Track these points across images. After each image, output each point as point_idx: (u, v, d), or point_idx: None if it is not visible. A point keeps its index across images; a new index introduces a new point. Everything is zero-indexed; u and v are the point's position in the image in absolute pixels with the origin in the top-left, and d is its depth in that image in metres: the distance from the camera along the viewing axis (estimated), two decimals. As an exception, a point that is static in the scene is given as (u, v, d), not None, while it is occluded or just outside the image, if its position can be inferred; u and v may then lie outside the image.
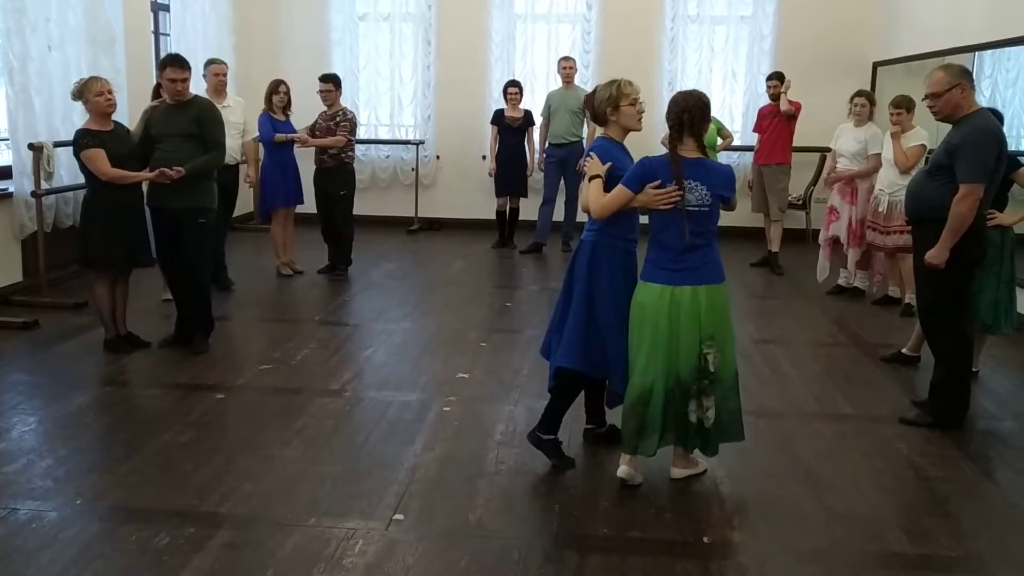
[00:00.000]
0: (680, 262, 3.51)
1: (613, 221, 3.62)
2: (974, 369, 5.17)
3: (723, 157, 8.97)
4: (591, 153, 3.71)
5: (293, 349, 5.59)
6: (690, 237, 3.44)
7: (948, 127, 4.37)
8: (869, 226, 6.85)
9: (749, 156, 9.38)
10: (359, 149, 10.53)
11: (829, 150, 7.60)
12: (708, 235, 3.52)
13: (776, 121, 8.29)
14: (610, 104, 3.71)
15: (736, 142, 9.42)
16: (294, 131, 7.77)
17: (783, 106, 8.13)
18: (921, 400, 4.64)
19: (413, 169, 10.47)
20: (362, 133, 10.59)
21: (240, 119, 7.21)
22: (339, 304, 6.93)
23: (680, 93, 3.57)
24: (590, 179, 3.65)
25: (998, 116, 4.89)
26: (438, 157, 10.59)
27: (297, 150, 7.79)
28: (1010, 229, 4.97)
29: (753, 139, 9.54)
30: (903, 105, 6.50)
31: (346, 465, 3.89)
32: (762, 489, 3.77)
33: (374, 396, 4.78)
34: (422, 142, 10.47)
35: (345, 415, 4.50)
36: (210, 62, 7.17)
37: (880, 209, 6.66)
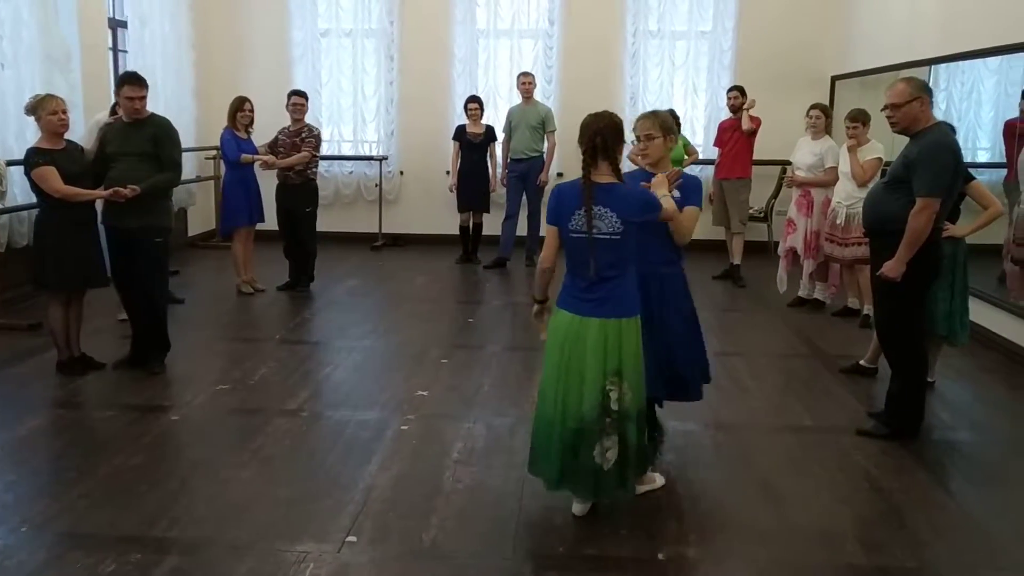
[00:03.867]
0: (590, 292, 3.38)
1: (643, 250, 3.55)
2: (930, 380, 5.23)
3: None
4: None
5: (252, 368, 5.52)
6: (600, 267, 3.33)
7: (904, 140, 4.43)
8: (827, 238, 6.91)
9: (711, 170, 9.48)
10: (322, 165, 10.54)
11: (789, 163, 7.69)
12: (621, 265, 3.36)
13: (736, 135, 8.37)
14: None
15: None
16: (255, 149, 7.73)
17: (745, 124, 8.22)
18: (878, 411, 4.67)
19: (376, 185, 10.43)
20: (325, 149, 10.55)
21: None
22: (300, 322, 6.86)
23: (592, 115, 3.43)
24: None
25: (952, 131, 4.97)
26: (402, 173, 10.56)
27: (258, 167, 7.73)
28: (962, 240, 5.03)
29: (714, 153, 9.66)
30: (859, 119, 6.58)
31: (301, 487, 3.83)
32: (720, 503, 3.77)
33: (332, 415, 4.73)
34: (385, 158, 10.43)
35: (302, 435, 4.45)
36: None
37: (838, 221, 6.72)
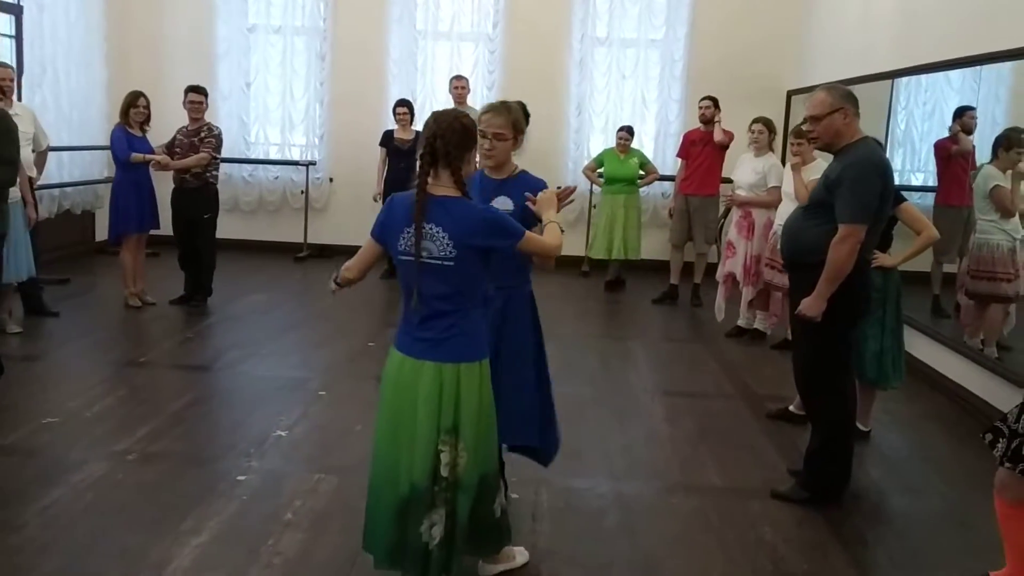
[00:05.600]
0: (423, 329, 2.76)
1: (506, 269, 3.02)
2: (864, 429, 4.64)
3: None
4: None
5: (96, 396, 4.83)
6: (424, 298, 2.72)
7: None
8: (767, 264, 6.31)
9: (668, 186, 8.91)
10: (246, 169, 9.88)
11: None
12: (458, 298, 2.74)
13: (707, 149, 7.79)
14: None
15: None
16: (150, 148, 7.05)
17: (717, 136, 7.67)
18: (799, 470, 4.04)
19: (303, 192, 9.75)
20: (251, 152, 9.91)
21: (28, 128, 6.42)
22: (178, 342, 6.16)
23: (434, 114, 2.81)
24: None
25: (880, 146, 4.38)
26: (331, 180, 9.88)
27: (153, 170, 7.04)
28: (895, 271, 4.44)
29: (668, 167, 9.09)
30: (804, 135, 5.96)
31: (77, 560, 3.14)
32: (589, 588, 3.12)
33: (162, 460, 4.04)
34: (313, 163, 9.76)
35: (110, 488, 3.72)
36: None
37: (779, 246, 6.10)
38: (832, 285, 3.62)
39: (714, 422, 4.92)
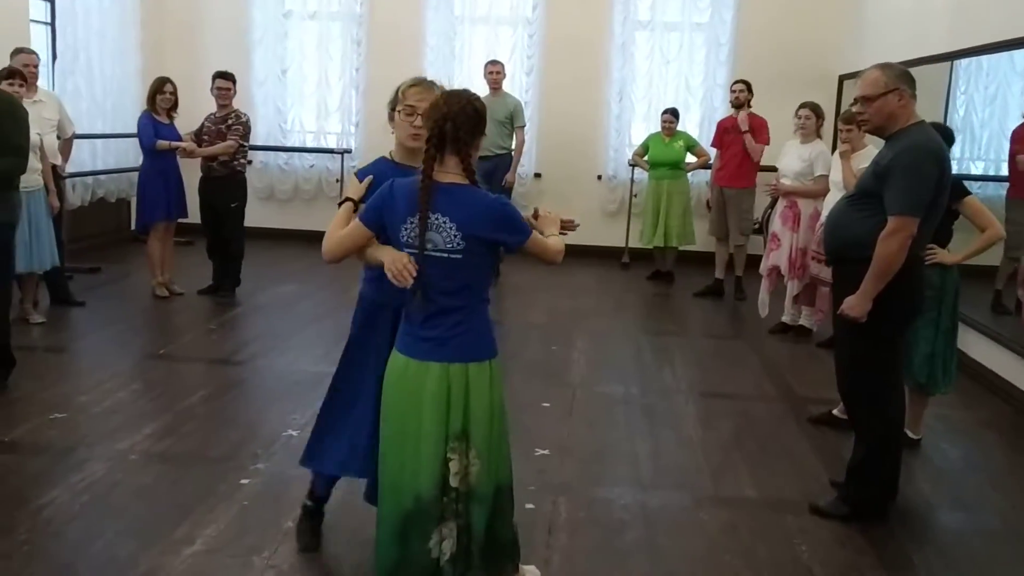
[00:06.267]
0: (427, 328, 2.53)
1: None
2: (914, 437, 4.30)
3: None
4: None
5: (109, 391, 4.69)
6: (428, 294, 2.48)
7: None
8: (814, 257, 5.98)
9: (705, 175, 8.57)
10: (281, 158, 9.76)
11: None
12: (465, 293, 2.52)
13: (739, 137, 7.42)
14: (390, 107, 2.85)
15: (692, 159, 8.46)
16: (178, 135, 6.92)
17: (743, 125, 7.29)
18: (841, 481, 3.74)
19: (338, 180, 9.59)
20: (287, 140, 9.77)
21: (53, 115, 6.37)
22: (200, 334, 6.02)
23: (445, 94, 2.55)
24: (340, 203, 2.73)
25: (945, 134, 4.03)
26: (367, 168, 9.71)
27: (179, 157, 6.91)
28: (953, 269, 4.08)
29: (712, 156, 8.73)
30: (853, 120, 5.52)
31: (64, 570, 2.97)
32: (604, 612, 2.87)
33: (164, 461, 3.86)
34: (348, 151, 9.60)
35: (107, 489, 3.55)
36: (18, 51, 6.23)
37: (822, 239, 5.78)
38: (879, 283, 3.31)
39: (751, 426, 4.61)
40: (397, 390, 2.58)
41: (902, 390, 3.69)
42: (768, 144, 7.38)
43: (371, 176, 2.78)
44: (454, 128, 2.46)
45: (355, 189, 2.74)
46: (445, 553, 2.53)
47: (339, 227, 2.61)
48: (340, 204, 2.70)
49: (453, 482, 2.52)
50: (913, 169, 3.27)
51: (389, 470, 2.60)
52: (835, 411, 4.62)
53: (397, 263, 2.48)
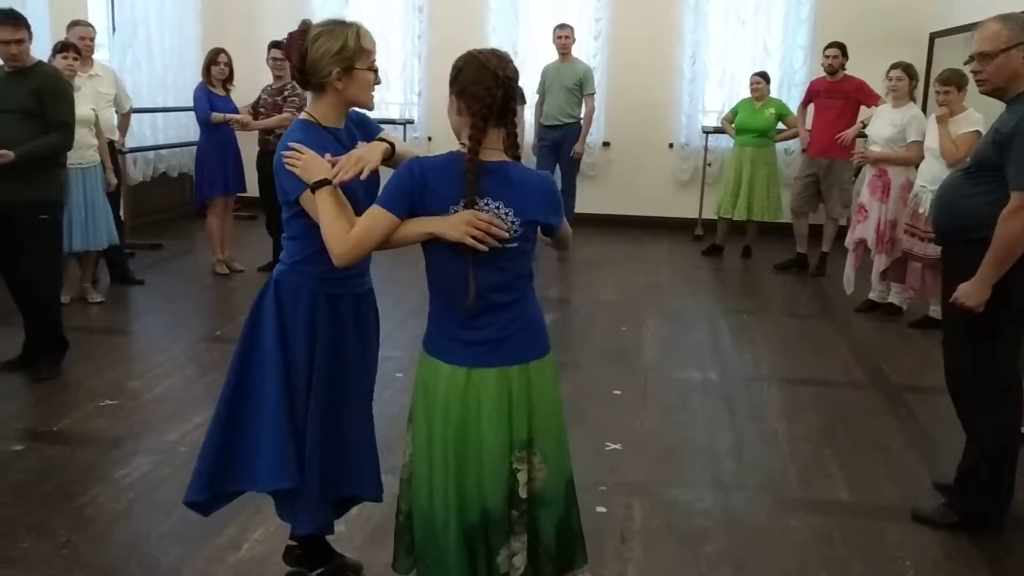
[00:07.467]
0: (475, 330, 2.21)
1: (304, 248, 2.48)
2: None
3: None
4: (292, 145, 2.34)
5: (161, 375, 4.54)
6: (480, 290, 2.16)
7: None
8: (906, 231, 5.55)
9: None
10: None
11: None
12: (517, 284, 2.24)
13: (833, 102, 6.93)
14: (340, 63, 2.38)
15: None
16: (234, 107, 6.75)
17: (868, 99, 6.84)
18: (948, 483, 3.36)
19: (400, 152, 9.34)
20: (348, 111, 9.56)
21: (110, 90, 6.23)
22: (258, 314, 5.84)
23: (486, 55, 2.16)
24: (313, 188, 2.26)
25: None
26: (430, 139, 9.42)
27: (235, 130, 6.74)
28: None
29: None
30: (952, 81, 5.18)
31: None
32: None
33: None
34: (411, 122, 9.34)
35: (153, 486, 3.37)
36: (74, 24, 6.07)
37: (920, 210, 5.35)
38: (1000, 268, 2.91)
39: (842, 417, 4.24)
40: (444, 407, 2.24)
41: (1020, 387, 3.28)
42: (861, 89, 6.91)
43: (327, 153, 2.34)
44: (504, 97, 2.15)
45: (321, 167, 2.27)
46: (517, 568, 2.26)
47: (337, 219, 2.21)
48: (313, 189, 2.25)
49: (522, 492, 2.24)
50: (1042, 138, 2.86)
51: (443, 494, 2.27)
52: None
53: (473, 224, 2.08)
